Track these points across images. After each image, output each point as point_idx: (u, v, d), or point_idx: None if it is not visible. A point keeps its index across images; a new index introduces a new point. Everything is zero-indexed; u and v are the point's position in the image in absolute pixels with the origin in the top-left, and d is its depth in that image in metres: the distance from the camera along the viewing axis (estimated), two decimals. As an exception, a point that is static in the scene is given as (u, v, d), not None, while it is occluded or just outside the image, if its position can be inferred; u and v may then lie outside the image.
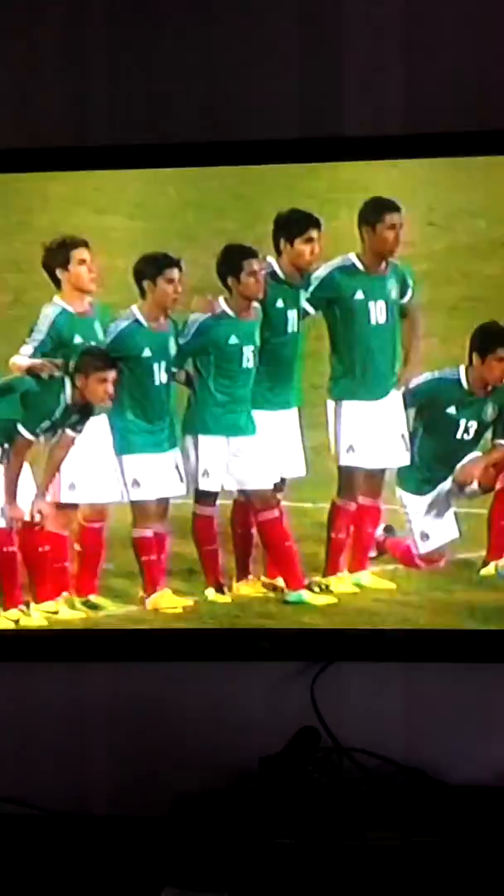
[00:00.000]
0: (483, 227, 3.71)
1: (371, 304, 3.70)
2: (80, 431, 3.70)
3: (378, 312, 3.70)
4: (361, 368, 3.72)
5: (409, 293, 3.71)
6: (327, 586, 3.72)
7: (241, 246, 3.71)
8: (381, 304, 3.70)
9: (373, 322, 3.70)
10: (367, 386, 3.72)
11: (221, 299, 3.74)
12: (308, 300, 3.71)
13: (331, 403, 3.73)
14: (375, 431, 3.73)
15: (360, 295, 3.70)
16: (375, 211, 3.66)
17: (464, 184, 3.68)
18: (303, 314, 3.72)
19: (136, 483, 3.71)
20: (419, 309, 3.72)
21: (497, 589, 3.71)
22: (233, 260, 3.71)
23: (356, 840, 3.45)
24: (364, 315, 3.70)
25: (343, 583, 3.72)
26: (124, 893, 3.40)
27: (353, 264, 3.71)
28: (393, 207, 3.65)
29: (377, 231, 3.67)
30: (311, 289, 3.71)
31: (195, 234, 3.76)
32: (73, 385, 3.68)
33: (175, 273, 3.69)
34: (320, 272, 3.71)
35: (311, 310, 3.72)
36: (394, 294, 3.71)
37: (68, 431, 3.69)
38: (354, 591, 3.72)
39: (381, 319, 3.70)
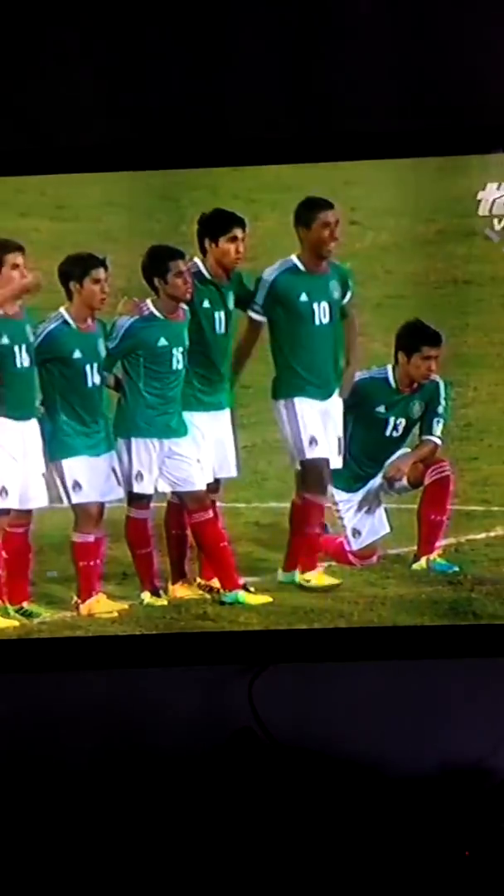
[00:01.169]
0: (405, 225, 3.74)
1: (315, 305, 3.70)
2: None
3: (322, 313, 3.71)
4: (306, 369, 3.72)
5: (350, 294, 3.72)
6: (308, 581, 3.70)
7: (167, 247, 3.69)
8: (324, 304, 3.71)
9: (317, 323, 3.71)
10: (313, 387, 3.72)
11: (149, 301, 3.72)
12: (256, 309, 3.69)
13: (279, 403, 3.72)
14: (321, 431, 3.73)
15: (304, 297, 3.70)
16: (308, 210, 3.66)
17: (386, 183, 3.70)
18: (249, 320, 3.70)
19: (77, 486, 3.68)
20: (356, 308, 3.73)
21: (429, 583, 3.75)
22: (159, 261, 3.69)
23: (296, 838, 3.46)
24: (309, 316, 3.71)
25: (323, 576, 3.70)
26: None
27: (295, 265, 3.71)
28: (326, 205, 3.65)
29: (312, 230, 3.68)
30: (259, 297, 3.69)
31: (120, 235, 3.74)
32: None
33: (101, 273, 3.67)
34: (265, 277, 3.69)
35: (260, 318, 3.70)
36: (336, 294, 3.72)
37: None
38: (316, 585, 3.71)
39: (325, 320, 3.71)
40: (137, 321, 3.71)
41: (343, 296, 3.72)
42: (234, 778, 3.60)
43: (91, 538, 3.70)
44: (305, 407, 3.71)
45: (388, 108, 3.72)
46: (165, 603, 3.73)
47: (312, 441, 3.70)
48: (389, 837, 3.46)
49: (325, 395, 3.73)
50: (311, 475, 3.72)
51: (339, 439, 3.74)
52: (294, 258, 3.72)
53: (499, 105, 3.65)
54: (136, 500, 3.74)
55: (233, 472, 3.75)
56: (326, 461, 3.71)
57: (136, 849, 3.48)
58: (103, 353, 3.71)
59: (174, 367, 3.71)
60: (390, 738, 3.74)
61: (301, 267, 3.71)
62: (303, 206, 3.66)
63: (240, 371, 3.72)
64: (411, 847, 3.43)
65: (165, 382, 3.71)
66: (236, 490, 3.79)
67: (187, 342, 3.72)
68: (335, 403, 3.74)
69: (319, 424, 3.71)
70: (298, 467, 3.74)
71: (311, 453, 3.71)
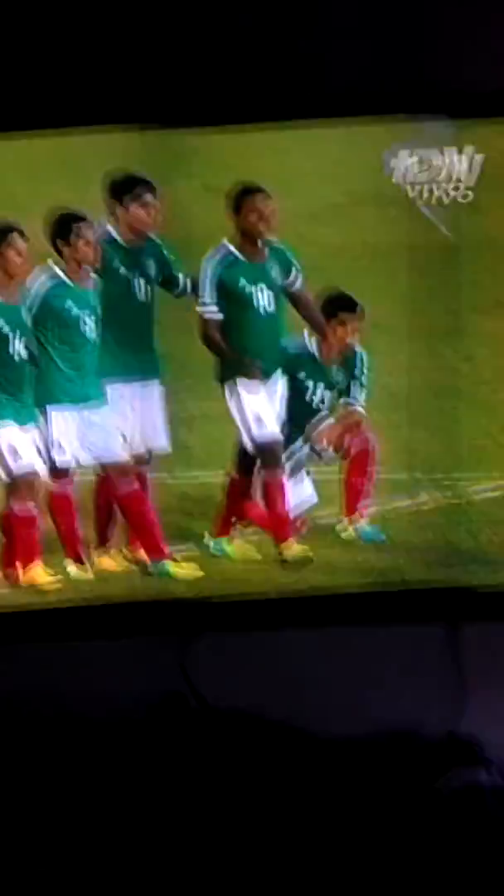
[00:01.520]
0: (320, 193, 3.70)
1: (255, 290, 3.64)
2: None
3: (263, 298, 3.65)
4: (249, 352, 3.65)
5: (295, 273, 3.65)
6: (281, 553, 3.63)
7: (72, 212, 3.59)
8: (265, 289, 3.65)
9: (258, 307, 3.64)
10: (255, 368, 3.65)
11: (56, 267, 3.60)
12: (209, 309, 3.62)
13: (225, 386, 3.66)
14: (265, 410, 3.66)
15: (244, 283, 3.64)
16: (242, 195, 3.61)
17: (300, 150, 3.66)
18: (203, 320, 3.62)
19: (14, 453, 3.56)
20: (306, 284, 3.66)
21: (359, 551, 3.69)
22: (64, 226, 3.59)
23: (227, 801, 3.38)
24: (250, 302, 3.65)
25: (297, 546, 3.64)
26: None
27: (233, 254, 3.64)
28: (256, 191, 3.60)
29: (242, 214, 3.62)
30: (206, 294, 3.62)
31: (24, 202, 3.63)
32: None
33: (15, 239, 3.55)
34: (208, 274, 3.62)
35: (214, 315, 3.63)
36: (277, 277, 3.65)
37: None
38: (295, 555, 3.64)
39: (266, 304, 3.65)
40: (50, 289, 3.59)
41: (287, 275, 3.65)
42: (165, 741, 3.50)
43: (33, 508, 3.57)
44: (250, 387, 3.63)
45: (303, 72, 3.67)
46: (92, 576, 3.60)
47: (258, 420, 3.63)
48: (322, 798, 3.39)
49: (267, 376, 3.65)
50: (265, 454, 3.65)
51: (280, 416, 3.68)
52: (229, 245, 3.64)
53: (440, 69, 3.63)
54: (57, 471, 3.63)
55: (163, 444, 3.65)
56: (276, 439, 3.65)
57: (66, 817, 3.36)
58: (27, 322, 3.58)
59: (86, 334, 3.61)
60: (323, 703, 3.66)
61: (238, 255, 3.64)
62: (235, 192, 3.60)
63: (227, 370, 3.64)
64: (344, 808, 3.36)
65: (78, 350, 3.62)
66: (163, 460, 3.68)
67: (99, 310, 3.62)
68: (277, 383, 3.68)
69: (265, 403, 3.64)
70: (248, 446, 3.65)
71: (259, 430, 3.64)
